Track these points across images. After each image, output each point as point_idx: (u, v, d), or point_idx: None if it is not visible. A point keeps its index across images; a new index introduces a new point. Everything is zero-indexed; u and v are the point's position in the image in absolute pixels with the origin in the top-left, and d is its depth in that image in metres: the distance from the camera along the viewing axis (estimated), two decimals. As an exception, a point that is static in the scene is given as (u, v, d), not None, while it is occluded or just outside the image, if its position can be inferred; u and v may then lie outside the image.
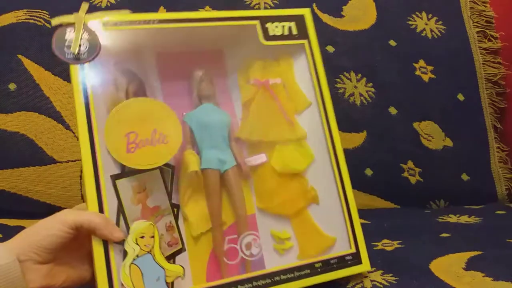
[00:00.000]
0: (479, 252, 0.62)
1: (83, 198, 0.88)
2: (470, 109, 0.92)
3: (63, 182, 0.88)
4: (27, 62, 0.90)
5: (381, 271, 0.59)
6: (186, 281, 0.53)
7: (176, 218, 0.56)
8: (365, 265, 0.58)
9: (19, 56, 0.90)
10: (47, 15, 0.92)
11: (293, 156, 0.62)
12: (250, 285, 0.53)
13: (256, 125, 0.62)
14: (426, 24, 0.94)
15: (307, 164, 0.62)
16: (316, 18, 0.93)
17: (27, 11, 0.92)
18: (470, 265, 0.59)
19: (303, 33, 0.64)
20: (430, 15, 0.94)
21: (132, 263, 0.49)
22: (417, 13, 0.94)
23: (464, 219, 0.79)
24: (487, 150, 0.92)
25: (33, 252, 0.48)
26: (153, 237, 0.50)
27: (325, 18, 0.94)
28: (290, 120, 0.63)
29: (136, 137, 0.52)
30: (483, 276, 0.56)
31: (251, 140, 0.62)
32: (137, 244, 0.49)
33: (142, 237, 0.50)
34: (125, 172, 0.53)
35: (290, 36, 0.63)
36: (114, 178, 0.52)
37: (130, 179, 0.53)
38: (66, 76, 0.90)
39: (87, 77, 0.53)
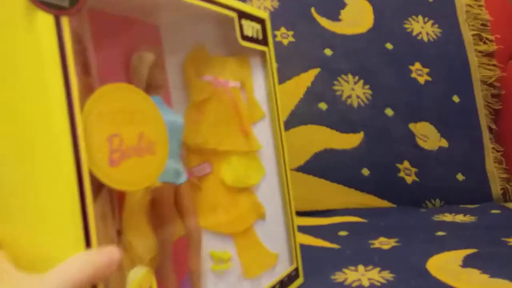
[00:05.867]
0: (475, 250, 0.63)
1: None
2: (466, 110, 0.93)
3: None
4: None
5: (378, 269, 0.60)
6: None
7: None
8: (300, 279, 0.57)
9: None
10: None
11: (246, 170, 0.54)
12: None
13: (211, 132, 0.51)
14: (422, 28, 0.95)
15: (259, 179, 0.55)
16: (314, 22, 0.95)
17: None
18: (466, 263, 0.59)
19: (265, 39, 0.55)
20: (426, 19, 0.95)
21: None
22: (413, 16, 0.95)
23: (460, 218, 0.80)
24: (482, 150, 0.93)
25: None
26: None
27: (323, 22, 0.95)
28: (245, 130, 0.54)
29: (121, 143, 0.35)
30: (480, 273, 0.56)
31: (204, 148, 0.51)
32: None
33: None
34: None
35: (257, 40, 0.54)
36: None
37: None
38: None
39: None
